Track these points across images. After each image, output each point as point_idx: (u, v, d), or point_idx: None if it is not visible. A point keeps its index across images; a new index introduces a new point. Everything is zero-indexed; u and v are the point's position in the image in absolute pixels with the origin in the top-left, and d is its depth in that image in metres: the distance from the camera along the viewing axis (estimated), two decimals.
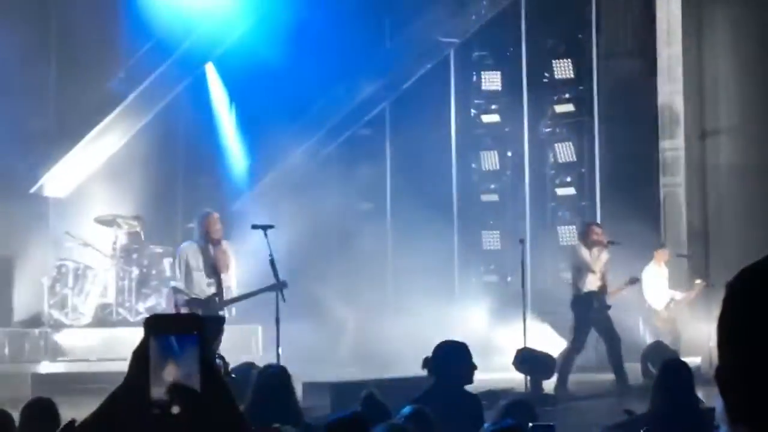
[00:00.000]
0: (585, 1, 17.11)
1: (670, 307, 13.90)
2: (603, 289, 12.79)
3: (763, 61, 15.36)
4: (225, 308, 10.61)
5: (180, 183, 17.94)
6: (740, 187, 15.53)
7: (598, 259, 12.73)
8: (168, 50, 16.01)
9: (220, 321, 10.00)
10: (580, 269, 12.90)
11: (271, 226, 10.38)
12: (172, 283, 11.21)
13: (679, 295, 14.11)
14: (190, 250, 10.38)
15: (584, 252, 12.77)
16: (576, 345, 12.62)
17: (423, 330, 15.55)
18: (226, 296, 10.31)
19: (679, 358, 7.24)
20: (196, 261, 10.23)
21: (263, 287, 10.48)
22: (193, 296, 10.06)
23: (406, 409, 5.18)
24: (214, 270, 10.20)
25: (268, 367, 6.58)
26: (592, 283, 12.77)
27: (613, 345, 12.59)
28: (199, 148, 18.06)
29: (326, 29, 18.12)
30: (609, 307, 12.77)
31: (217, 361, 7.16)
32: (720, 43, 15.81)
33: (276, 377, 5.79)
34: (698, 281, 14.07)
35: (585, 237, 13.08)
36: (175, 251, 15.42)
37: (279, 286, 10.09)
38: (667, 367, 5.52)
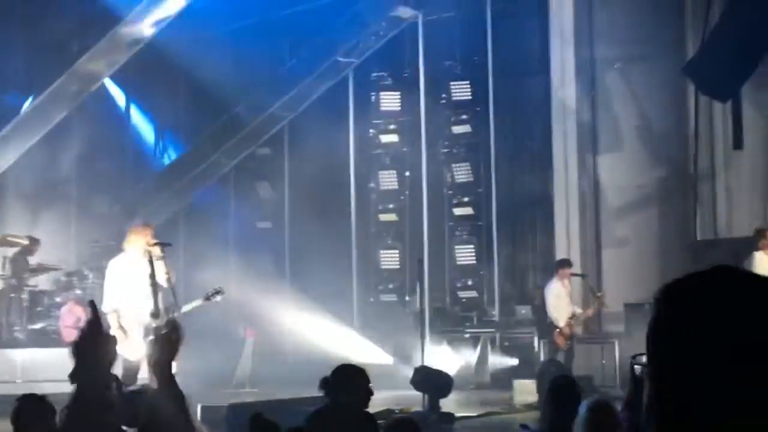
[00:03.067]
0: (481, 24, 17.39)
1: (570, 323, 14.14)
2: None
3: (650, 84, 15.77)
4: None
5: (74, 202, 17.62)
6: (630, 207, 15.93)
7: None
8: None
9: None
10: None
11: (168, 244, 10.24)
12: None
13: (578, 311, 14.38)
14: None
15: (761, 260, 12.61)
16: None
17: (322, 349, 15.58)
18: None
19: (568, 375, 7.36)
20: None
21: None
22: None
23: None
24: None
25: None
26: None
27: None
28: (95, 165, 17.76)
29: (226, 47, 18.08)
30: None
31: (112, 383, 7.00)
32: (611, 67, 16.21)
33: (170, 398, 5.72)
34: (599, 294, 14.37)
35: (763, 243, 12.77)
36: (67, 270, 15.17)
37: (176, 305, 9.95)
38: (557, 385, 5.64)
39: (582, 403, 4.92)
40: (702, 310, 1.38)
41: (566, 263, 14.66)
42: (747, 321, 1.35)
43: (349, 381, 5.95)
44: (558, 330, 14.11)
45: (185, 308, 9.97)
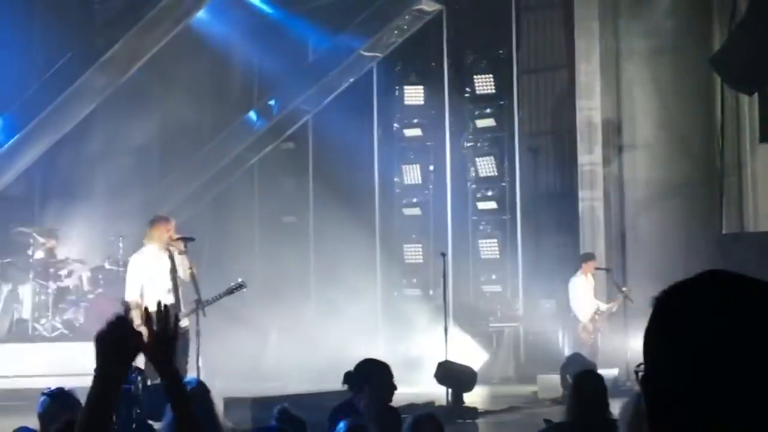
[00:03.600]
0: (506, 17, 17.34)
1: (594, 318, 14.09)
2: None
3: (676, 77, 15.69)
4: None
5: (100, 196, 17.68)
6: (656, 201, 15.83)
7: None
8: None
9: None
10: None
11: (191, 239, 10.24)
12: None
13: (603, 306, 14.32)
14: None
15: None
16: None
17: (346, 343, 15.59)
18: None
19: (593, 369, 7.33)
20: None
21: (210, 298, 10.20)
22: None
23: (341, 425, 5.16)
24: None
25: (186, 381, 6.49)
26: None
27: None
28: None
29: (250, 41, 18.11)
30: None
31: (133, 376, 7.01)
32: (636, 60, 16.12)
33: (194, 392, 5.73)
34: (624, 289, 14.30)
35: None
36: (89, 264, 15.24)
37: (199, 300, 9.97)
38: (581, 378, 5.61)
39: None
40: (695, 313, 1.40)
41: (590, 257, 14.61)
42: (740, 325, 1.37)
43: (372, 375, 5.95)
44: (582, 325, 14.06)
45: (209, 302, 9.99)
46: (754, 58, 13.64)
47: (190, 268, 9.81)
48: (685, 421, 1.38)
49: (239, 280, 10.37)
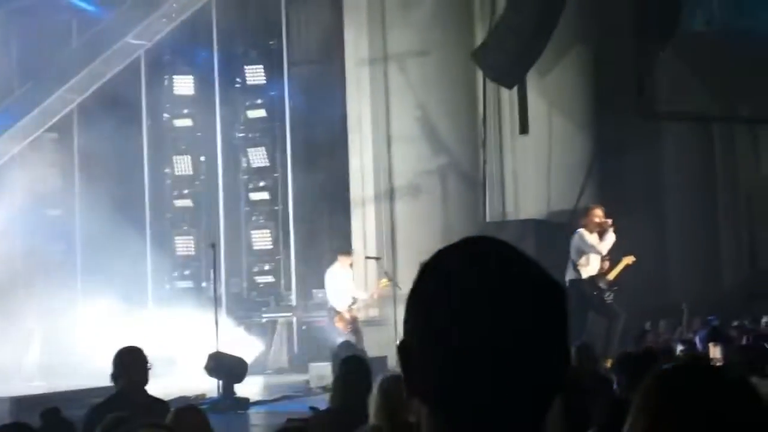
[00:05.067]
0: (275, 8, 17.34)
1: (352, 307, 14.29)
2: (603, 273, 12.56)
3: (440, 72, 16.12)
4: None
5: None
6: (422, 191, 16.23)
7: (604, 241, 12.51)
8: None
9: None
10: (584, 253, 12.56)
11: None
12: None
13: (362, 294, 14.55)
14: None
15: (588, 236, 12.52)
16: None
17: (115, 338, 15.20)
18: None
19: (357, 355, 7.48)
20: None
21: None
22: None
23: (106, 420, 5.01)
24: None
25: None
26: (593, 267, 12.58)
27: (612, 324, 12.38)
28: None
29: (7, 27, 17.34)
30: (607, 290, 12.53)
31: None
32: (404, 55, 16.46)
33: None
34: (383, 280, 14.57)
35: (587, 221, 12.68)
36: None
37: None
38: (345, 364, 5.72)
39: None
40: (436, 274, 1.42)
41: (344, 252, 14.84)
42: (494, 289, 1.38)
43: (127, 362, 5.82)
44: (338, 315, 14.21)
45: None
46: (512, 52, 14.25)
47: None
48: (430, 381, 1.37)
49: None
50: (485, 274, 1.39)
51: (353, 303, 14.22)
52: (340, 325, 14.11)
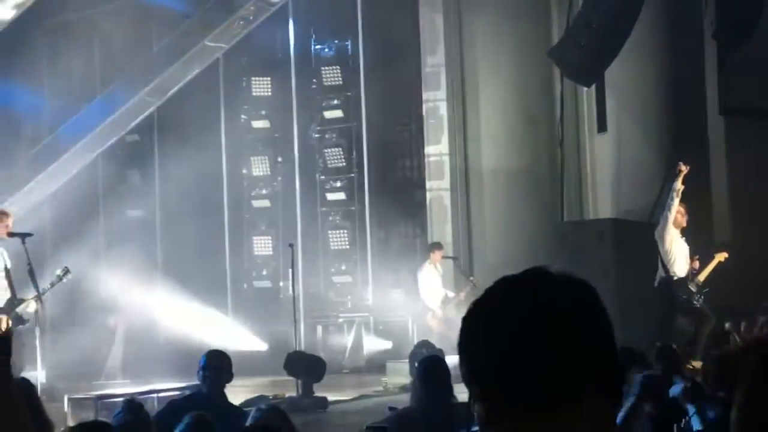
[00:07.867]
0: (352, 9, 17.41)
1: (443, 306, 14.31)
2: (695, 273, 12.09)
3: (520, 67, 16.07)
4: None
5: None
6: (500, 190, 16.18)
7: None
8: None
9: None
10: (667, 232, 11.96)
11: (29, 234, 9.95)
12: None
13: (451, 294, 14.56)
14: None
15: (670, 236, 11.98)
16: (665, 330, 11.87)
17: (195, 337, 15.42)
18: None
19: (436, 355, 7.46)
20: None
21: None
22: None
23: (187, 418, 5.12)
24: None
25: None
26: (681, 265, 12.09)
27: (700, 327, 11.93)
28: None
29: (90, 30, 17.66)
30: (698, 292, 12.09)
31: None
32: (480, 53, 16.43)
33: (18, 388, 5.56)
34: (472, 278, 14.55)
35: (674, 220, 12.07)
36: None
37: (39, 297, 9.70)
38: (424, 365, 5.72)
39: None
40: (487, 303, 1.50)
41: (438, 246, 14.84)
42: (555, 322, 1.44)
43: (216, 366, 5.92)
44: (431, 312, 14.27)
45: (45, 290, 9.83)
46: (590, 50, 14.09)
47: (29, 264, 9.55)
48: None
49: (64, 266, 10.25)
50: (510, 297, 1.48)
51: (444, 301, 14.25)
52: (432, 323, 14.14)
